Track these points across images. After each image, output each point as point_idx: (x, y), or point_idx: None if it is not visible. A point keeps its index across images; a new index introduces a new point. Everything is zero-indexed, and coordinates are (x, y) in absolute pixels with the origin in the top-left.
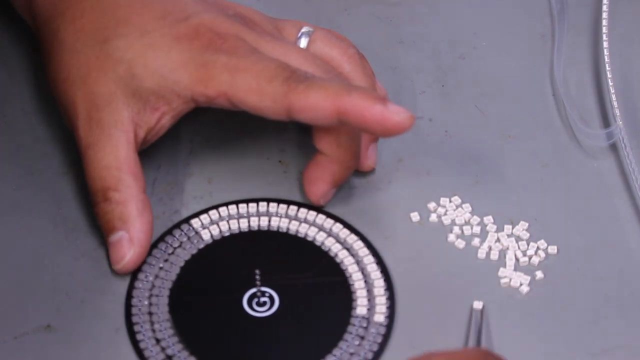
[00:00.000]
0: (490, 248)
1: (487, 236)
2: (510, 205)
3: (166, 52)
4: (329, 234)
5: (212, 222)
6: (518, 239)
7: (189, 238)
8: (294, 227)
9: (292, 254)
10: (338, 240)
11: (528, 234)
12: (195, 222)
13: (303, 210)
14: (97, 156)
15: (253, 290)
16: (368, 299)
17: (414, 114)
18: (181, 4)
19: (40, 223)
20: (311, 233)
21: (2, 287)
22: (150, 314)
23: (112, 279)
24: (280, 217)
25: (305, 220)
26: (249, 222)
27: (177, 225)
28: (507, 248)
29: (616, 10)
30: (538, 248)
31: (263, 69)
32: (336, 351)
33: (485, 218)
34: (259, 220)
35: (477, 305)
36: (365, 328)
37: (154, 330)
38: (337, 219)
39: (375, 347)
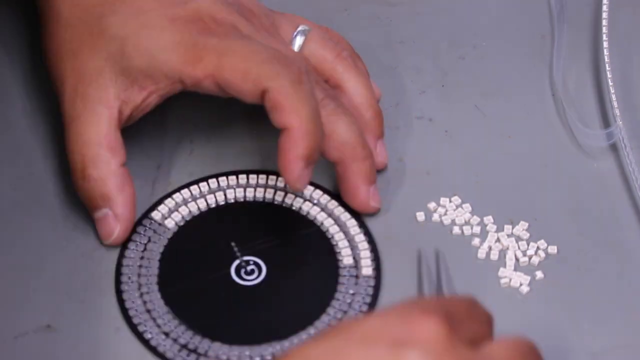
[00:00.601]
0: (490, 248)
1: (487, 236)
2: (510, 205)
3: (159, 32)
4: (304, 198)
5: (170, 210)
6: (518, 239)
7: (154, 231)
8: (259, 194)
9: (265, 221)
10: (314, 204)
11: (528, 234)
12: (155, 215)
13: (272, 177)
14: (78, 130)
15: (237, 262)
16: (353, 257)
17: (414, 113)
18: None
19: (40, 223)
20: (278, 198)
21: (2, 287)
22: (148, 311)
23: (112, 279)
24: (244, 187)
25: (274, 187)
26: (206, 200)
27: (139, 222)
28: (507, 248)
29: (616, 10)
30: (538, 248)
31: (254, 52)
32: (334, 302)
33: (485, 218)
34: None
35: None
36: (356, 276)
37: (158, 326)
38: (314, 185)
39: (367, 300)
